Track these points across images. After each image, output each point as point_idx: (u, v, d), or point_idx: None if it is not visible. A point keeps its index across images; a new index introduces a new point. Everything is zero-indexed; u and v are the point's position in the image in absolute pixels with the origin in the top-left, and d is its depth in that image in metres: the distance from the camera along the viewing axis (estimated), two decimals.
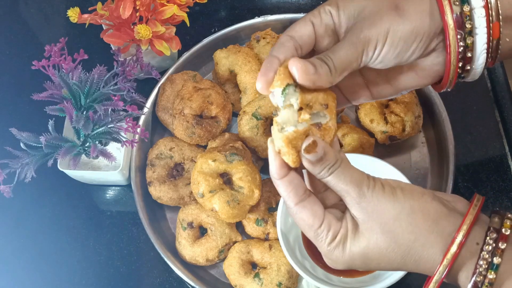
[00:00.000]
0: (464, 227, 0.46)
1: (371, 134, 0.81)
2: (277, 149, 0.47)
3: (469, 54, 0.51)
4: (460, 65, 0.51)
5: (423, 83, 0.55)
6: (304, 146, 0.46)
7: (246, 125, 0.79)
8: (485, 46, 0.50)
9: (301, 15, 0.89)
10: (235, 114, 0.86)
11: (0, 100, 0.93)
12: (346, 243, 0.48)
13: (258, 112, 0.78)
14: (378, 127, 0.80)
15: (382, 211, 0.47)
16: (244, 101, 0.83)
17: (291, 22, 0.90)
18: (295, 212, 0.49)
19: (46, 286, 0.80)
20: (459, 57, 0.51)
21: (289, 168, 0.48)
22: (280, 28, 0.90)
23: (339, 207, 0.51)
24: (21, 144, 0.71)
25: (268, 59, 0.49)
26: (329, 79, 0.48)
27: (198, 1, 0.82)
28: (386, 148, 0.83)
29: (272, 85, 0.48)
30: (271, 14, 0.91)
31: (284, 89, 0.47)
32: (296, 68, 0.47)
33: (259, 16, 0.90)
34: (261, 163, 0.82)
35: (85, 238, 0.82)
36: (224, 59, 0.84)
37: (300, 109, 0.47)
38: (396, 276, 0.66)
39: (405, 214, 0.47)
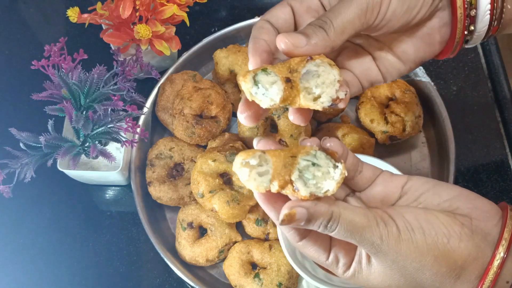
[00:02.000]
0: (491, 275, 0.43)
1: (371, 134, 0.81)
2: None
3: (472, 13, 0.49)
4: (466, 23, 0.49)
5: (431, 50, 0.52)
6: (280, 218, 0.41)
7: (246, 125, 0.79)
8: (489, 6, 0.48)
9: None
10: (235, 114, 0.86)
11: None
12: (362, 276, 0.45)
13: None
14: (379, 127, 0.80)
15: (402, 263, 0.42)
16: None
17: None
18: (300, 248, 0.46)
19: (45, 286, 0.80)
20: (465, 14, 0.49)
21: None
22: None
23: None
24: (21, 144, 0.71)
25: (252, 42, 0.46)
26: (327, 43, 0.45)
27: (198, 1, 0.82)
28: (386, 148, 0.83)
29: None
30: None
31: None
32: (284, 44, 0.43)
33: (259, 16, 0.90)
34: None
35: (85, 238, 0.82)
36: (224, 59, 0.84)
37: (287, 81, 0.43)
38: None
39: (429, 265, 0.42)
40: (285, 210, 0.41)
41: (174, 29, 0.80)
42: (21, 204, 0.84)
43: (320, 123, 0.83)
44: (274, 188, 0.42)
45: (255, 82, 0.43)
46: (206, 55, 0.89)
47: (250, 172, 0.42)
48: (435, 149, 0.83)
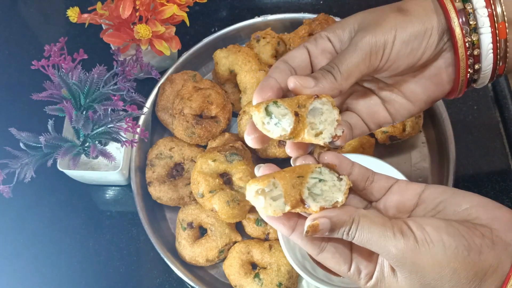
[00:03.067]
0: (509, 287, 0.43)
1: (371, 134, 0.81)
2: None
3: (476, 52, 0.50)
4: (469, 62, 0.50)
5: (440, 90, 0.54)
6: (304, 230, 0.43)
7: (246, 125, 0.79)
8: (491, 45, 0.50)
9: (301, 15, 0.89)
10: (235, 114, 0.86)
11: None
12: (385, 285, 0.45)
13: None
14: None
15: (420, 274, 0.43)
16: (244, 101, 0.83)
17: (291, 22, 0.90)
18: (320, 261, 0.47)
19: (45, 286, 0.80)
20: (468, 53, 0.50)
21: (297, 217, 0.46)
22: (280, 27, 0.90)
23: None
24: (21, 144, 0.71)
25: (264, 79, 0.48)
26: (335, 86, 0.47)
27: (198, 1, 0.82)
28: (386, 148, 0.83)
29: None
30: (271, 14, 0.91)
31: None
32: (293, 83, 0.46)
33: (259, 16, 0.90)
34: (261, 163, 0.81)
35: (85, 238, 0.82)
36: (224, 59, 0.84)
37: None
38: None
39: (448, 276, 0.43)
40: (308, 222, 0.43)
41: (174, 29, 0.80)
42: (21, 204, 0.84)
43: None
44: (287, 209, 0.44)
45: (267, 113, 0.45)
46: (206, 55, 0.89)
47: (265, 199, 0.44)
48: (435, 149, 0.83)
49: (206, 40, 0.89)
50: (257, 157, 0.81)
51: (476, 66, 0.51)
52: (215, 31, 0.90)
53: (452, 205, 0.46)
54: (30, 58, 0.70)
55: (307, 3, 0.97)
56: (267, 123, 0.45)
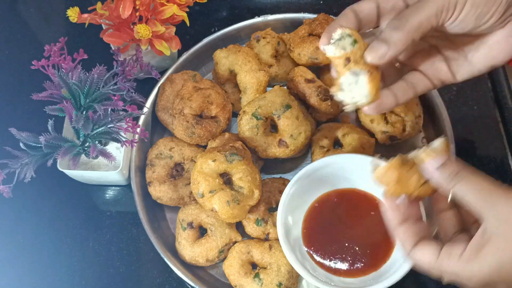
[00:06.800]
0: None
1: (371, 134, 0.81)
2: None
3: None
4: None
5: (499, 58, 0.56)
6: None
7: (246, 125, 0.79)
8: None
9: (301, 15, 0.89)
10: (235, 114, 0.86)
11: None
12: (479, 254, 0.48)
13: (258, 112, 0.78)
14: (379, 127, 0.80)
15: None
16: (244, 101, 0.83)
17: (291, 22, 0.90)
18: (410, 254, 0.52)
19: (45, 286, 0.80)
20: None
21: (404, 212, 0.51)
22: (280, 27, 0.90)
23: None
24: (21, 144, 0.71)
25: (330, 24, 0.53)
26: (406, 37, 0.50)
27: (198, 1, 0.82)
28: (386, 148, 0.83)
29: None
30: (271, 14, 0.91)
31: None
32: (372, 58, 0.51)
33: (259, 16, 0.90)
34: (261, 163, 0.82)
35: (85, 238, 0.82)
36: (224, 58, 0.84)
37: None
38: (396, 277, 0.66)
39: None
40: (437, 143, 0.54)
41: (174, 29, 0.80)
42: (21, 204, 0.84)
43: (320, 123, 0.83)
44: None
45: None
46: (206, 55, 0.89)
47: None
48: None
49: (206, 40, 0.89)
50: (257, 157, 0.81)
51: None
52: (215, 31, 0.90)
53: None
54: (30, 58, 0.70)
55: (307, 3, 0.97)
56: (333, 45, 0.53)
